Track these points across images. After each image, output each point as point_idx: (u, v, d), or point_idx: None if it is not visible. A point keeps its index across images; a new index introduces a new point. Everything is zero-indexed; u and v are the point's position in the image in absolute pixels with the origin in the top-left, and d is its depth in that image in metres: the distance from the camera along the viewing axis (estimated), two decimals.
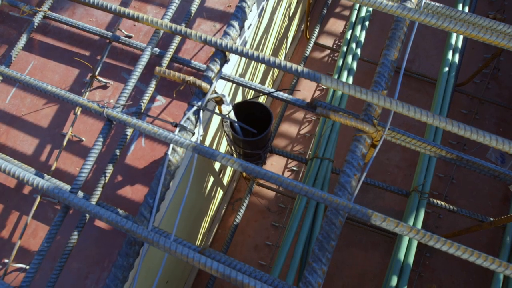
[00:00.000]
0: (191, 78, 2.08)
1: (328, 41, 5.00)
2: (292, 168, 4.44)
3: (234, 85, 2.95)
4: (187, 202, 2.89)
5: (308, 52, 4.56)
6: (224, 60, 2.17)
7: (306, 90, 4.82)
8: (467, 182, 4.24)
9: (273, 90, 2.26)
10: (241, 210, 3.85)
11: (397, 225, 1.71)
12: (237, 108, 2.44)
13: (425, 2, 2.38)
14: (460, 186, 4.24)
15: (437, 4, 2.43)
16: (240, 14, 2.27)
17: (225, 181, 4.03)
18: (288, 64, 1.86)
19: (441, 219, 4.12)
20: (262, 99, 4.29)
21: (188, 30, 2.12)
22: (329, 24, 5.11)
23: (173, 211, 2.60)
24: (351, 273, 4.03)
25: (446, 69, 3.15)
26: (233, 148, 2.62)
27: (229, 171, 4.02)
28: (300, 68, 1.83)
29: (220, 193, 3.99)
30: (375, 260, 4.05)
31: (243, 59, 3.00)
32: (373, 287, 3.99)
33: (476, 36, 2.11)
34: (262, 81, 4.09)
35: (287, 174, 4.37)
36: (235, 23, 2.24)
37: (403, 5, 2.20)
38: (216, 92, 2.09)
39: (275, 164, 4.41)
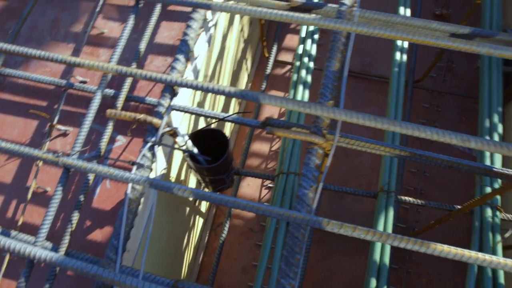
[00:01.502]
0: (142, 116, 2.14)
1: (287, 57, 5.13)
2: (269, 185, 4.48)
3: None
4: (162, 235, 2.90)
5: (269, 70, 4.67)
6: (173, 94, 2.23)
7: (275, 108, 4.91)
8: (439, 174, 4.34)
9: (227, 114, 2.32)
10: (223, 235, 3.86)
11: (354, 230, 1.77)
12: (197, 136, 2.49)
13: (360, 11, 2.48)
14: (433, 179, 4.34)
15: (372, 12, 2.55)
16: (184, 47, 2.35)
17: (204, 208, 4.04)
18: (227, 89, 1.93)
19: (420, 213, 4.20)
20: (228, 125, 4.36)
21: (134, 70, 2.18)
22: (286, 40, 5.25)
23: (148, 247, 2.61)
24: (340, 281, 4.05)
25: (396, 69, 3.27)
26: (198, 176, 2.66)
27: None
28: (237, 90, 1.90)
29: (200, 221, 4.00)
30: (362, 264, 4.07)
31: None
32: None
33: (407, 39, 2.22)
34: (227, 105, 4.16)
35: (264, 192, 4.41)
36: (181, 57, 2.32)
37: (337, 20, 2.31)
38: (169, 126, 2.15)
39: (251, 184, 4.45)
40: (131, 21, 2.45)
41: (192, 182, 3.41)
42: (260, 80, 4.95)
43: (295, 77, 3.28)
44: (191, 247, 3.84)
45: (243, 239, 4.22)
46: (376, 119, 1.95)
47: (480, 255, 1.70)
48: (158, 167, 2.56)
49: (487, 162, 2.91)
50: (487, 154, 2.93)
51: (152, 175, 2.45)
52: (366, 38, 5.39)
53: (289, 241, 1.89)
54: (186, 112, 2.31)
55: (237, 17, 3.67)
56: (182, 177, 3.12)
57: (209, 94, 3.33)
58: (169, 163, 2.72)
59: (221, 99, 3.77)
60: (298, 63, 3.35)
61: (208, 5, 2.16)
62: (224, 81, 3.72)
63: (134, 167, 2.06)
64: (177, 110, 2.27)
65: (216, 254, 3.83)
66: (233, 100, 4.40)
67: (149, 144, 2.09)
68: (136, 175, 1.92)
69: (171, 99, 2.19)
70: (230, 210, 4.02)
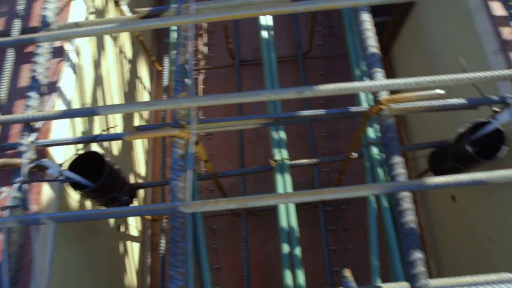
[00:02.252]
0: (1, 161, 2.14)
1: None
2: (210, 188, 4.51)
3: None
4: (82, 270, 2.87)
5: (166, 83, 4.72)
6: (32, 130, 2.24)
7: None
8: (349, 131, 4.57)
9: (91, 136, 2.36)
10: (161, 251, 3.88)
11: (216, 204, 1.86)
12: (78, 163, 2.49)
13: (197, 5, 2.59)
14: (344, 137, 4.56)
15: (210, 2, 2.66)
16: (34, 84, 2.38)
17: (135, 231, 4.03)
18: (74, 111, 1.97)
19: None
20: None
21: None
22: None
23: (68, 285, 2.60)
24: None
25: (265, 47, 3.43)
26: (95, 201, 2.67)
27: (133, 221, 4.03)
28: (79, 110, 1.95)
29: (134, 245, 3.98)
30: (303, 235, 4.20)
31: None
32: (312, 259, 4.14)
33: (242, 16, 2.36)
34: (129, 123, 4.17)
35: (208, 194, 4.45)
36: (32, 93, 2.35)
37: (172, 17, 2.41)
38: (32, 162, 2.15)
39: None
40: None
41: None
42: (161, 94, 4.99)
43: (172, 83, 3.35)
44: (132, 273, 3.82)
45: None
46: (221, 97, 2.06)
47: (372, 185, 1.82)
48: (51, 205, 2.55)
49: (365, 104, 3.09)
50: (362, 97, 3.11)
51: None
52: (253, 27, 5.57)
53: (171, 234, 1.95)
54: (51, 145, 2.32)
55: (108, 40, 3.70)
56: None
57: (96, 120, 3.33)
58: (63, 198, 2.70)
59: (115, 119, 3.77)
60: (173, 68, 3.42)
61: (32, 38, 2.19)
62: None
63: (7, 211, 2.05)
64: (40, 145, 2.27)
65: (160, 272, 3.84)
66: (136, 116, 4.42)
67: (16, 185, 2.09)
68: (4, 218, 1.92)
69: (30, 135, 2.21)
70: (161, 225, 4.04)
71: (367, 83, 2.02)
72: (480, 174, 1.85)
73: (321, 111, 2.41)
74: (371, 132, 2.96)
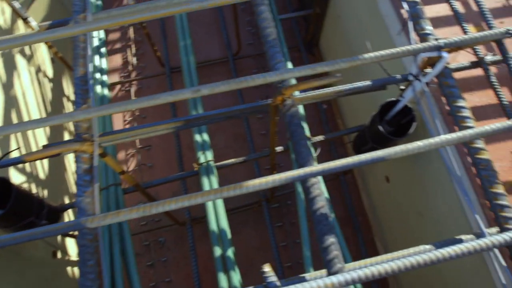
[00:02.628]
0: None
1: (115, 77, 5.07)
2: None
3: None
4: None
5: None
6: None
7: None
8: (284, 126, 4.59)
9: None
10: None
11: (130, 212, 1.79)
12: None
13: (94, 14, 2.51)
14: (281, 133, 4.57)
15: (112, 9, 2.59)
16: None
17: (75, 256, 3.86)
18: None
19: (281, 167, 4.40)
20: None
21: None
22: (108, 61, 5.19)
23: None
24: (238, 261, 4.11)
25: (183, 50, 3.38)
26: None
27: (73, 245, 3.86)
28: None
29: (76, 270, 3.81)
30: (251, 236, 4.19)
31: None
32: (263, 258, 4.13)
33: (141, 18, 2.29)
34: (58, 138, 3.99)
35: None
36: None
37: (66, 28, 2.31)
38: None
39: None
40: None
41: None
42: None
43: (90, 94, 3.24)
44: None
45: None
46: (116, 105, 1.99)
47: (279, 175, 1.76)
48: None
49: None
50: None
51: None
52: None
53: (79, 252, 1.86)
54: None
55: (19, 59, 3.53)
56: None
57: (13, 143, 3.16)
58: None
59: (39, 142, 3.60)
60: (91, 81, 3.31)
61: None
62: None
63: None
64: None
65: None
66: (66, 134, 4.25)
67: None
68: None
69: None
70: None
71: (263, 75, 2.01)
72: (380, 152, 1.88)
73: (232, 108, 2.39)
74: None
